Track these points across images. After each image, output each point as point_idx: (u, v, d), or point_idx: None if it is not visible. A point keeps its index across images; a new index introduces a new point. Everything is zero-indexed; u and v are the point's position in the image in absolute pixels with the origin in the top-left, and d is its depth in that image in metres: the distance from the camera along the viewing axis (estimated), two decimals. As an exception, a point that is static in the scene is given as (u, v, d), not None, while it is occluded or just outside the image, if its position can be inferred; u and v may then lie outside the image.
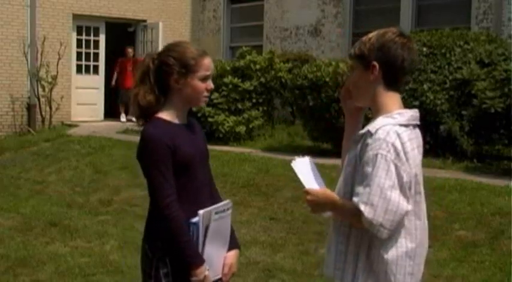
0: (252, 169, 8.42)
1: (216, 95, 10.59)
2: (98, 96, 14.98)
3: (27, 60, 13.46)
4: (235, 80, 11.01)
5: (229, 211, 2.72)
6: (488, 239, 5.68)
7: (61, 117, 13.95)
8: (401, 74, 2.36)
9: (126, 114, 14.51)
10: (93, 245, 6.25)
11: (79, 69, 14.68)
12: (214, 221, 2.59)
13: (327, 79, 8.93)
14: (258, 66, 11.24)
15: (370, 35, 2.38)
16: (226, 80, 10.96)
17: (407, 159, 2.23)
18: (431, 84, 8.43)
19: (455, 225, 6.02)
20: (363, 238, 2.31)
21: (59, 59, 13.43)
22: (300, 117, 10.02)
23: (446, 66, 8.51)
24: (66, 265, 5.61)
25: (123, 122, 14.31)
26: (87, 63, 14.83)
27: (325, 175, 2.54)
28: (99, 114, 15.01)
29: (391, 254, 2.28)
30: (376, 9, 12.05)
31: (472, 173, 7.61)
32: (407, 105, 2.41)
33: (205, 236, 2.57)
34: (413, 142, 2.30)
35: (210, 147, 2.84)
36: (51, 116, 13.58)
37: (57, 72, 13.42)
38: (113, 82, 15.02)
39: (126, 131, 12.59)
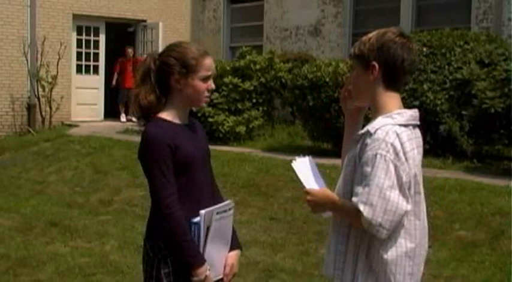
0: (252, 169, 8.42)
1: (216, 95, 10.59)
2: (98, 96, 14.98)
3: (27, 60, 13.47)
4: (235, 80, 11.01)
5: (231, 211, 2.72)
6: (488, 239, 5.68)
7: (61, 117, 13.95)
8: (401, 74, 2.36)
9: (126, 114, 14.51)
10: (93, 245, 6.25)
11: (79, 69, 14.68)
12: (215, 221, 2.59)
13: (327, 79, 8.93)
14: (258, 66, 11.24)
15: (370, 35, 2.38)
16: (226, 80, 10.96)
17: (406, 159, 2.23)
18: (431, 84, 8.43)
19: (455, 225, 6.02)
20: (363, 238, 2.31)
21: (59, 59, 13.43)
22: (300, 117, 10.02)
23: (446, 66, 8.51)
24: (66, 265, 5.61)
25: (123, 122, 14.32)
26: (87, 63, 14.84)
27: (325, 175, 2.55)
28: (99, 114, 15.01)
29: (390, 254, 2.28)
30: (376, 9, 12.05)
31: (472, 173, 7.61)
32: (407, 105, 2.41)
33: (206, 236, 2.58)
34: (412, 142, 2.30)
35: (210, 147, 2.84)
36: (51, 116, 13.58)
37: (57, 72, 13.43)
38: (114, 82, 15.03)
39: (126, 131, 12.60)
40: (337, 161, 2.83)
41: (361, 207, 2.20)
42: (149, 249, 2.62)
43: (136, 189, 8.10)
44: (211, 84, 2.67)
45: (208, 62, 2.64)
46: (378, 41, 2.33)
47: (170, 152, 2.54)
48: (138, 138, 2.66)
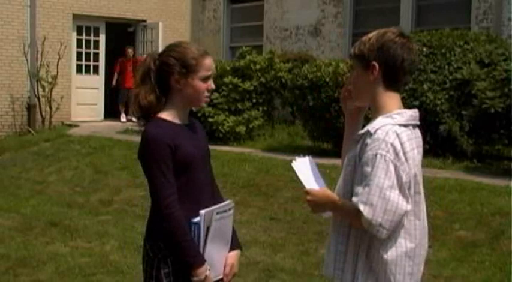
0: (252, 169, 8.42)
1: (216, 95, 10.59)
2: (98, 96, 14.99)
3: (27, 60, 13.47)
4: (235, 80, 11.01)
5: (231, 211, 2.72)
6: (488, 239, 5.68)
7: (61, 117, 13.95)
8: (401, 74, 2.36)
9: (126, 114, 14.52)
10: (93, 245, 6.25)
11: (79, 69, 14.68)
12: (215, 221, 2.59)
13: (327, 79, 8.93)
14: (258, 66, 11.24)
15: (370, 35, 2.38)
16: (226, 80, 10.96)
17: (406, 159, 2.23)
18: (431, 84, 8.43)
19: (455, 225, 6.02)
20: (363, 238, 2.31)
21: (59, 59, 13.44)
22: (300, 117, 10.02)
23: (446, 66, 8.51)
24: (66, 265, 5.61)
25: (123, 122, 14.32)
26: (87, 63, 14.84)
27: (325, 175, 2.55)
28: (99, 114, 15.02)
29: (390, 254, 2.28)
30: (376, 9, 12.05)
31: (472, 173, 7.61)
32: (407, 105, 2.41)
33: (206, 236, 2.58)
34: (412, 142, 2.30)
35: (210, 147, 2.84)
36: (51, 116, 13.58)
37: (57, 72, 13.43)
38: (114, 82, 15.03)
39: (126, 131, 12.60)
40: (337, 161, 2.83)
41: (361, 207, 2.20)
42: (149, 249, 2.62)
43: (136, 189, 8.10)
44: (211, 84, 2.67)
45: (208, 62, 2.64)
46: (378, 41, 2.33)
47: (170, 152, 2.54)
48: (138, 138, 2.66)
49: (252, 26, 14.65)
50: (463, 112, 8.20)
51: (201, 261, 2.55)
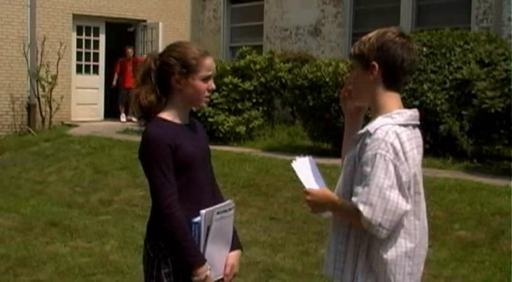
0: (252, 169, 8.42)
1: (216, 95, 10.59)
2: (98, 96, 14.99)
3: (27, 60, 13.47)
4: (235, 80, 11.01)
5: (232, 211, 2.72)
6: (488, 239, 5.68)
7: (61, 117, 13.95)
8: (401, 74, 2.36)
9: (126, 114, 14.52)
10: (93, 245, 6.25)
11: (79, 69, 14.69)
12: (216, 221, 2.59)
13: (327, 79, 8.93)
14: (258, 66, 11.24)
15: (370, 34, 2.38)
16: (226, 80, 10.96)
17: (406, 159, 2.23)
18: (431, 84, 8.43)
19: (455, 225, 6.02)
20: (363, 238, 2.31)
21: (59, 59, 13.44)
22: (300, 117, 10.02)
23: (446, 66, 8.51)
24: (66, 265, 5.61)
25: (123, 122, 14.32)
26: (87, 63, 14.84)
27: (325, 175, 2.55)
28: (99, 114, 15.02)
29: (390, 254, 2.28)
30: (376, 9, 12.05)
31: (472, 173, 7.61)
32: (407, 105, 2.41)
33: (207, 235, 2.57)
34: (412, 142, 2.30)
35: (210, 147, 2.84)
36: (51, 116, 13.58)
37: (57, 72, 13.43)
38: (114, 82, 15.03)
39: (126, 131, 12.60)
40: (337, 161, 2.83)
41: (361, 207, 2.20)
42: (150, 249, 2.62)
43: (136, 189, 8.10)
44: (211, 84, 2.67)
45: (209, 62, 2.64)
46: (378, 41, 2.33)
47: (170, 152, 2.54)
48: (138, 138, 2.66)
49: (252, 26, 14.66)
50: (463, 112, 8.20)
51: (202, 261, 2.55)
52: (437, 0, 11.33)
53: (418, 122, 2.38)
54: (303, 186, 2.43)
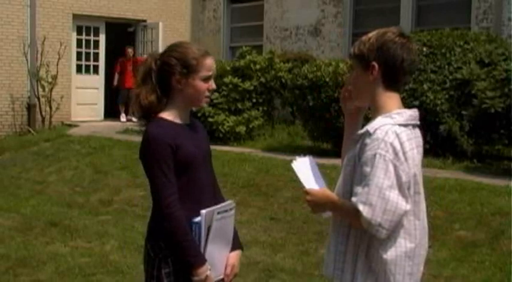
0: (252, 169, 8.42)
1: (216, 95, 10.59)
2: (98, 96, 14.99)
3: (27, 60, 13.47)
4: (235, 80, 11.01)
5: (232, 211, 2.72)
6: (488, 239, 5.68)
7: (61, 117, 13.95)
8: (400, 74, 2.36)
9: (126, 114, 14.52)
10: (93, 245, 6.25)
11: (79, 69, 14.69)
12: (216, 221, 2.59)
13: (327, 79, 8.93)
14: (258, 66, 11.24)
15: (370, 34, 2.38)
16: (226, 80, 10.96)
17: (406, 159, 2.23)
18: (431, 84, 8.43)
19: (455, 225, 6.02)
20: (362, 238, 2.31)
21: (59, 59, 13.44)
22: (300, 117, 10.02)
23: (446, 66, 8.51)
24: (66, 265, 5.61)
25: (123, 122, 14.32)
26: (87, 63, 14.84)
27: (325, 175, 2.55)
28: (99, 114, 15.02)
29: (390, 254, 2.28)
30: (376, 9, 12.05)
31: (472, 173, 7.61)
32: (407, 105, 2.41)
33: (207, 235, 2.58)
34: (412, 142, 2.30)
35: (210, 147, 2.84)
36: (51, 116, 13.59)
37: (57, 72, 13.43)
38: (115, 82, 15.03)
39: (126, 131, 12.60)
40: (337, 161, 2.82)
41: (361, 207, 2.20)
42: (150, 249, 2.62)
43: (136, 189, 8.10)
44: (212, 85, 2.67)
45: (209, 62, 2.64)
46: (378, 41, 2.33)
47: (171, 152, 2.54)
48: (138, 138, 2.67)
49: (252, 26, 14.66)
50: (463, 112, 8.20)
51: (202, 261, 2.55)
52: (437, 0, 11.33)
53: (418, 122, 2.38)
54: (303, 186, 2.43)
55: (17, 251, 6.02)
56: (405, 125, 2.30)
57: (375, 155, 2.21)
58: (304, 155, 2.55)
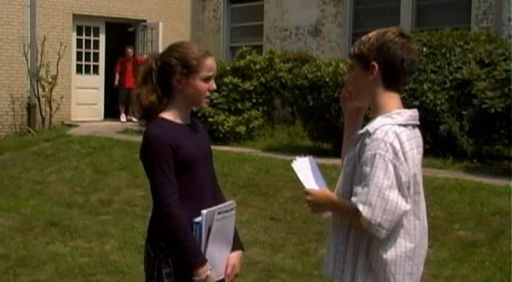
0: (252, 169, 8.42)
1: (216, 95, 10.58)
2: (98, 96, 14.99)
3: (27, 60, 13.47)
4: (235, 80, 11.01)
5: (233, 211, 2.72)
6: (488, 239, 5.68)
7: (61, 117, 13.95)
8: (400, 74, 2.36)
9: (126, 114, 14.52)
10: (93, 245, 6.25)
11: (79, 69, 14.69)
12: (217, 221, 2.59)
13: (327, 79, 8.93)
14: (258, 66, 11.24)
15: (370, 34, 2.38)
16: (226, 80, 10.96)
17: (405, 159, 2.23)
18: (431, 84, 8.43)
19: (455, 225, 6.02)
20: (362, 238, 2.31)
21: (59, 59, 13.44)
22: (300, 117, 10.02)
23: (446, 66, 8.51)
24: (66, 265, 5.62)
25: (123, 122, 14.32)
26: (87, 63, 14.84)
27: (325, 175, 2.55)
28: (99, 114, 15.02)
29: (390, 254, 2.28)
30: (376, 9, 12.05)
31: (472, 173, 7.61)
32: (407, 105, 2.41)
33: (208, 236, 2.57)
34: (412, 142, 2.30)
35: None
36: (51, 116, 13.59)
37: (57, 72, 13.43)
38: (116, 82, 15.04)
39: (126, 131, 12.60)
40: (337, 161, 2.82)
41: (360, 207, 2.20)
42: (150, 249, 2.62)
43: (136, 189, 8.10)
44: (212, 85, 2.68)
45: (210, 62, 2.64)
46: (378, 41, 2.33)
47: (172, 152, 2.54)
48: (138, 138, 2.67)
49: (252, 26, 14.65)
50: (463, 112, 8.20)
51: (202, 261, 2.55)
52: (437, 0, 11.33)
53: (418, 122, 2.38)
54: (303, 187, 2.43)
55: (17, 251, 6.03)
56: (405, 125, 2.30)
57: (374, 155, 2.21)
58: (304, 155, 2.55)
